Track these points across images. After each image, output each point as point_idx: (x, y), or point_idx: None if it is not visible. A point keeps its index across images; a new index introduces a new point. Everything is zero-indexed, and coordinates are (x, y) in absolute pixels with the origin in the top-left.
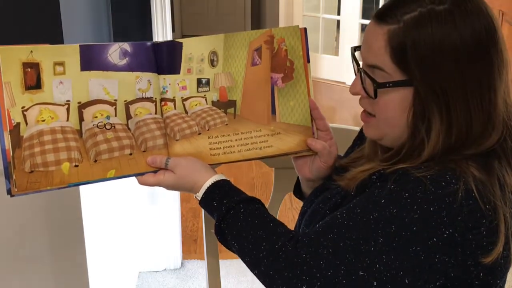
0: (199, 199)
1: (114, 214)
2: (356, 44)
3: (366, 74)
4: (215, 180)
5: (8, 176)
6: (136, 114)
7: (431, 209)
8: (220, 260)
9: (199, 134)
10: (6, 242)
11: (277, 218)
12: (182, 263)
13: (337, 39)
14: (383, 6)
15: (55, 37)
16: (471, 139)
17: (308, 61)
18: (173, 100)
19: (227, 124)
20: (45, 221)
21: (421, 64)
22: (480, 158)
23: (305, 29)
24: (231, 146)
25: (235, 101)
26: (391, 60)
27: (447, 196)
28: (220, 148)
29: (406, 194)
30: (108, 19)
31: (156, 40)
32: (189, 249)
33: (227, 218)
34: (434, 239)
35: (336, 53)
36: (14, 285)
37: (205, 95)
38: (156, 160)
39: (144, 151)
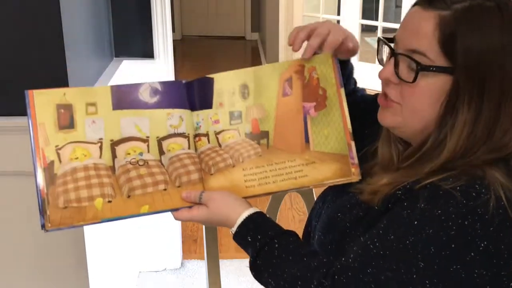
0: (233, 233)
1: None
2: None
3: (407, 56)
4: (248, 214)
5: (42, 212)
6: (169, 150)
7: (466, 223)
8: (220, 260)
9: (233, 166)
10: (6, 243)
11: (277, 218)
12: (182, 263)
13: None
14: None
15: (55, 37)
16: (492, 139)
17: (342, 86)
18: (206, 135)
19: (260, 155)
20: None
21: (468, 54)
22: (503, 163)
23: (335, 54)
24: (266, 177)
25: (268, 132)
26: (438, 46)
27: (479, 207)
28: (255, 179)
29: (439, 211)
30: (108, 19)
31: (157, 40)
32: (189, 249)
33: (262, 254)
34: (472, 254)
35: None
36: (14, 284)
37: (237, 127)
38: (191, 195)
39: (178, 186)
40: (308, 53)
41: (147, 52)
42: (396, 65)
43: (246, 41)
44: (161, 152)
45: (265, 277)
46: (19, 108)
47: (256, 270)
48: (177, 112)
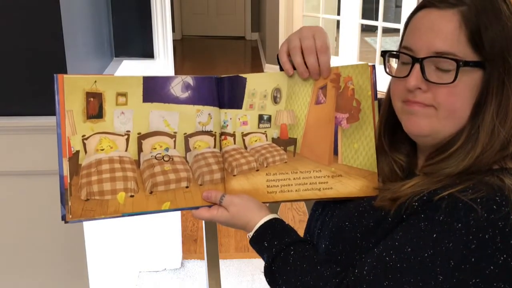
0: (250, 238)
1: None
2: (355, 42)
3: (438, 57)
4: (267, 220)
5: (64, 202)
6: (195, 147)
7: (487, 236)
8: (220, 260)
9: (257, 170)
10: (6, 243)
11: (279, 217)
12: (182, 263)
13: (337, 39)
14: None
15: (55, 37)
16: None
17: (376, 99)
18: (233, 135)
19: (286, 162)
20: (45, 222)
21: (492, 44)
22: None
23: (373, 66)
24: (289, 185)
25: (296, 139)
26: (466, 40)
27: (500, 220)
28: (278, 186)
29: (459, 225)
30: (108, 19)
31: (157, 40)
32: (189, 249)
33: (277, 260)
34: (491, 267)
35: (336, 53)
36: (14, 285)
37: (265, 131)
38: (211, 196)
39: (200, 185)
40: (316, 76)
41: (147, 52)
42: (423, 71)
43: (246, 41)
44: (187, 149)
45: (279, 283)
46: (20, 109)
47: (271, 276)
48: (207, 109)
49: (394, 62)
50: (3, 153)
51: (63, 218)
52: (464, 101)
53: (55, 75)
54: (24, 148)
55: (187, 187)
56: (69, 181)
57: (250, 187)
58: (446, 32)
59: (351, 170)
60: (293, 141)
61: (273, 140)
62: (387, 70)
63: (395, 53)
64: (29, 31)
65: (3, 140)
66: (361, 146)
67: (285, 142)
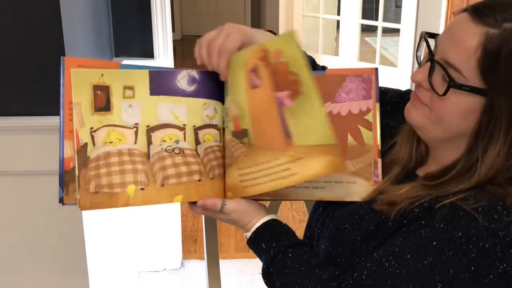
0: (248, 238)
1: (114, 214)
2: (355, 42)
3: (443, 68)
4: (265, 221)
5: (62, 184)
6: (204, 140)
7: (487, 245)
8: (220, 260)
9: (231, 166)
10: (6, 243)
11: (277, 218)
12: (182, 263)
13: (337, 39)
14: (482, 3)
15: (55, 37)
16: None
17: (378, 101)
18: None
19: (246, 155)
20: (45, 222)
21: (510, 77)
22: None
23: (376, 69)
24: (255, 178)
25: (247, 130)
26: (476, 64)
27: (501, 230)
28: (248, 180)
29: (460, 233)
30: (108, 19)
31: (157, 40)
32: (189, 249)
33: (275, 263)
34: (491, 276)
35: (336, 53)
36: (14, 285)
37: (227, 125)
38: (207, 204)
39: (212, 179)
40: (223, 76)
41: (147, 52)
42: (431, 72)
43: None
44: (197, 141)
45: (277, 286)
46: (20, 109)
47: (268, 278)
48: (212, 103)
49: (423, 49)
50: (3, 153)
51: (61, 200)
52: (455, 118)
53: (62, 57)
54: (24, 148)
55: (199, 180)
56: (77, 174)
57: (229, 183)
58: (463, 46)
59: (310, 150)
60: (245, 133)
61: (232, 133)
62: (418, 53)
63: (429, 36)
64: (29, 31)
65: (3, 140)
66: (312, 120)
67: (239, 134)
